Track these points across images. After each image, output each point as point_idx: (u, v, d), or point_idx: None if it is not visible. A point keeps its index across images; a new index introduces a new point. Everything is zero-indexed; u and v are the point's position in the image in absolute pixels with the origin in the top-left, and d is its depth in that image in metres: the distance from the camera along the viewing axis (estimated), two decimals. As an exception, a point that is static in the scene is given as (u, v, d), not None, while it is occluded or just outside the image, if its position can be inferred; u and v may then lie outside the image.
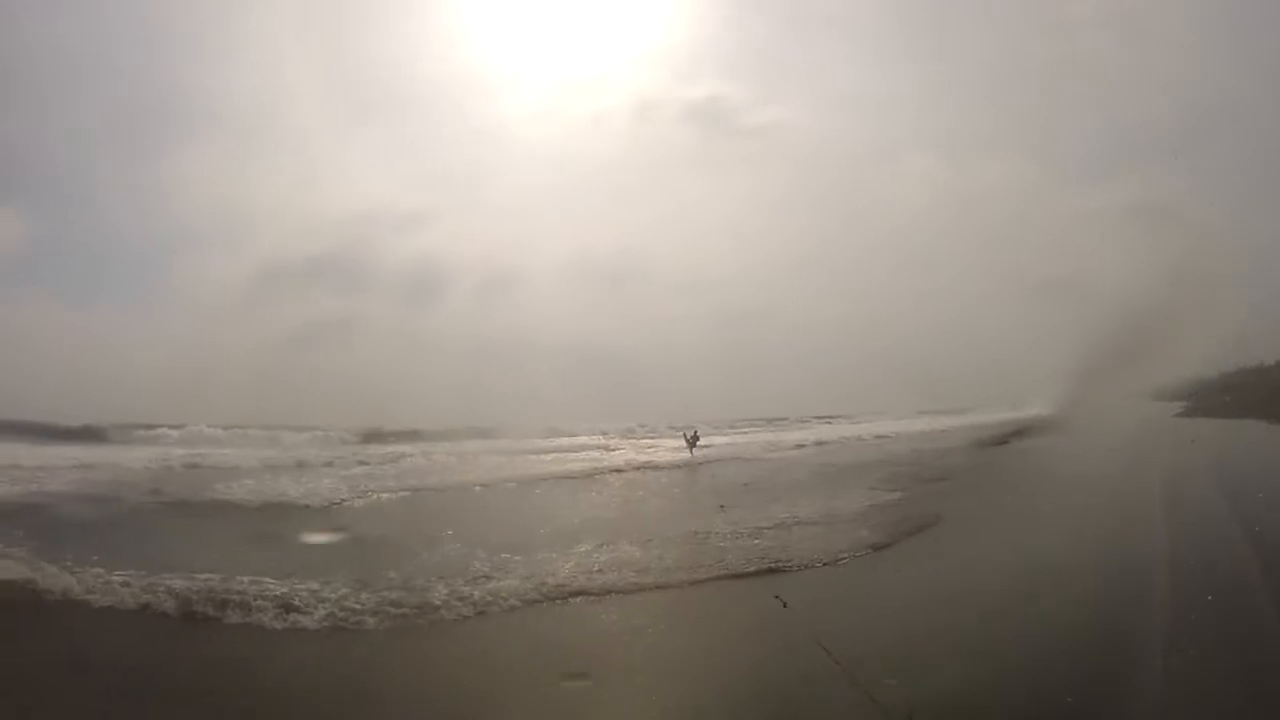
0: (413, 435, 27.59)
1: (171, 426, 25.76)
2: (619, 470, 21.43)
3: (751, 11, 63.24)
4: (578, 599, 8.15)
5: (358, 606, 7.49)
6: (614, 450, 27.37)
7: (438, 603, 7.74)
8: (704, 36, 62.14)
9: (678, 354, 45.72)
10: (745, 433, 35.39)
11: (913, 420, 40.97)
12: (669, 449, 25.71)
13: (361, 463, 20.62)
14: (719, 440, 28.84)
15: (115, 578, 7.87)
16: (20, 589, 7.54)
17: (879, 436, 32.04)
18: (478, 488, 17.61)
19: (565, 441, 29.15)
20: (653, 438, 30.90)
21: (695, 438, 25.53)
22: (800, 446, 28.15)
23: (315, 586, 7.84)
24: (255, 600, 7.53)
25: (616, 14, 58.07)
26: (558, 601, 8.06)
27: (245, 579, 7.94)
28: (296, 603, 7.50)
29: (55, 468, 16.57)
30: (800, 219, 56.49)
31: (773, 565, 9.30)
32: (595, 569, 9.14)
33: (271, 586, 7.82)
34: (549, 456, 24.22)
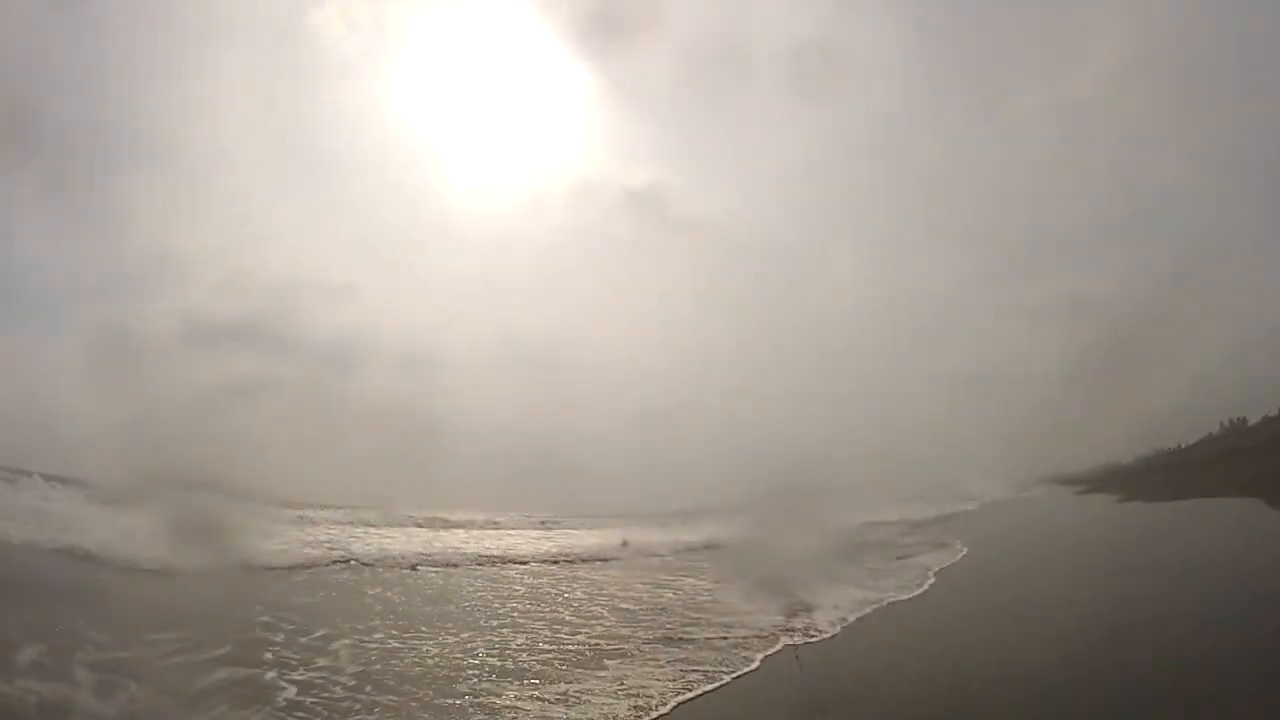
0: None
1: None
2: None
3: (696, 103, 66.48)
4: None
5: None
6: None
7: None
8: (649, 123, 64.83)
9: (597, 445, 43.96)
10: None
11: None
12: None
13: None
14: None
15: None
16: None
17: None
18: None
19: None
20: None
21: None
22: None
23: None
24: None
25: (564, 95, 60.46)
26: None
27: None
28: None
29: None
30: (731, 312, 56.63)
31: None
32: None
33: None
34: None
